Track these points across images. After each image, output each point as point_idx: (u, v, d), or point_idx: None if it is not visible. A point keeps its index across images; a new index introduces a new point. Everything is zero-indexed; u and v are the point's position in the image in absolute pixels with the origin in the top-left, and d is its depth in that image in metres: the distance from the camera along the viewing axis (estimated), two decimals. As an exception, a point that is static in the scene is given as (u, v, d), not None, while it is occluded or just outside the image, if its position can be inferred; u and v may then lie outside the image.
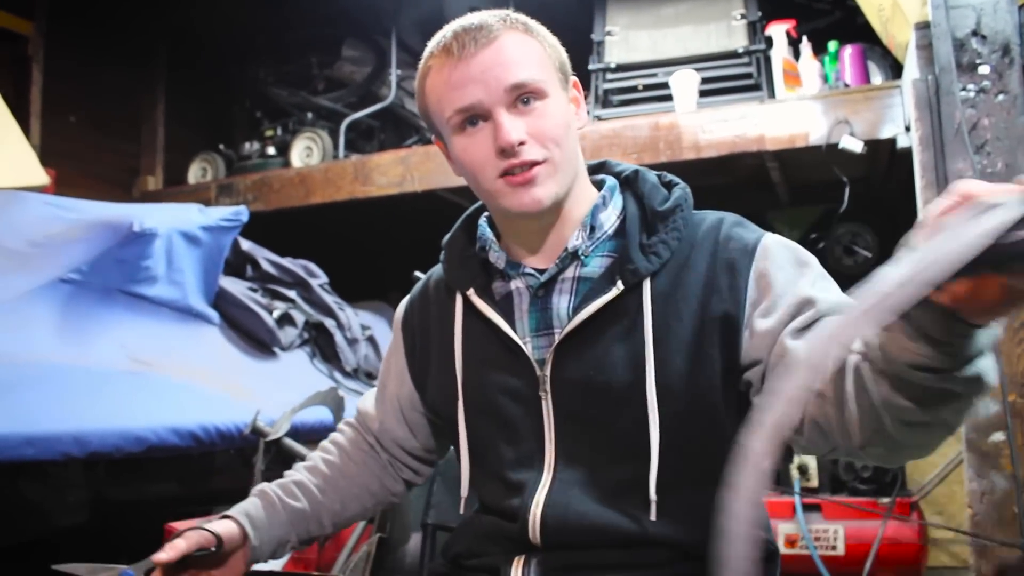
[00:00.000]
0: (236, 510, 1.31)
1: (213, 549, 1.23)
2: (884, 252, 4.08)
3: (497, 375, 1.26)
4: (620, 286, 1.19)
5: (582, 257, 1.26)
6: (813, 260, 1.20)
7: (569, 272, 1.27)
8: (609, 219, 1.28)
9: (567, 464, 1.19)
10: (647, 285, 1.20)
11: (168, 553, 1.19)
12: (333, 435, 1.50)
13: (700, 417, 1.17)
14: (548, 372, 1.22)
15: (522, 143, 1.18)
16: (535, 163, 1.19)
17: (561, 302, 1.25)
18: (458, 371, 1.31)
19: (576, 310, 1.21)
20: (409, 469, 1.46)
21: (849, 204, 3.20)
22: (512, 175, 1.19)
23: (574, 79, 1.28)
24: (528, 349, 1.24)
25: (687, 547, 1.15)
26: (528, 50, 1.20)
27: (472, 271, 1.32)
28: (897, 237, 3.18)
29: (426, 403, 1.39)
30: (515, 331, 1.25)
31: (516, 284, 1.29)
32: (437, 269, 1.42)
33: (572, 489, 1.18)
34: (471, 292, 1.30)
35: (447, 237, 1.39)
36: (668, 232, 1.22)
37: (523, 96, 1.18)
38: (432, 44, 1.24)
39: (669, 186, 1.30)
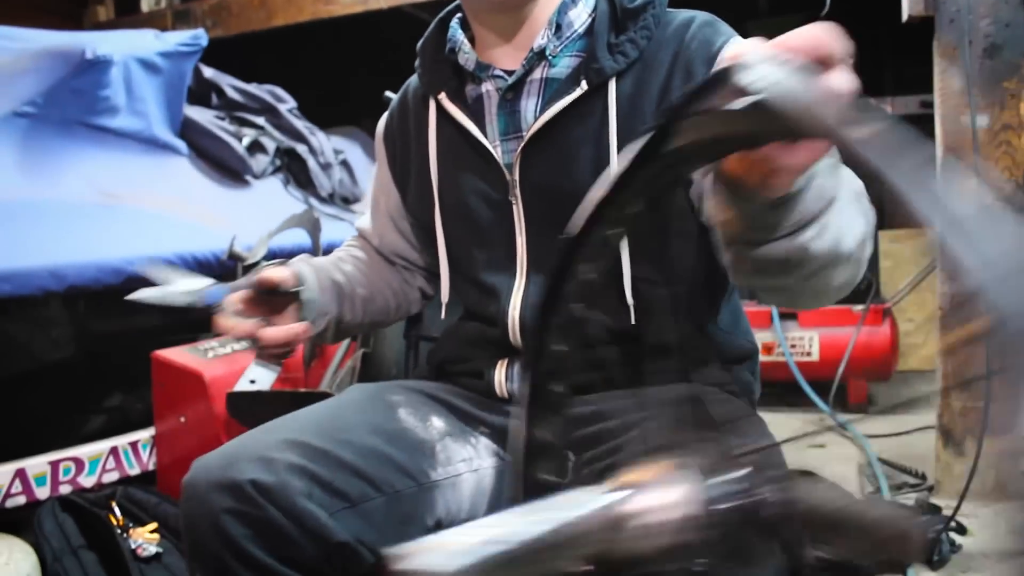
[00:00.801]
0: (294, 264, 1.26)
1: (295, 290, 1.21)
2: (864, 62, 3.98)
3: (470, 179, 1.25)
4: (584, 86, 1.17)
5: (549, 57, 1.22)
6: None
7: (537, 73, 1.24)
8: (579, 17, 1.23)
9: (540, 268, 1.20)
10: (612, 85, 1.17)
11: (267, 276, 1.17)
12: (339, 248, 1.48)
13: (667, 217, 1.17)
14: (516, 176, 1.21)
15: None
16: None
17: (528, 104, 1.23)
18: (433, 176, 1.30)
19: (542, 112, 1.19)
20: (418, 279, 1.46)
21: (829, 9, 3.09)
22: None
23: None
24: (498, 153, 1.23)
25: (667, 345, 1.17)
26: None
27: (444, 74, 1.30)
28: (879, 45, 3.09)
29: (408, 210, 1.38)
30: (485, 135, 1.24)
31: (486, 87, 1.26)
32: (414, 78, 1.38)
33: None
34: (443, 96, 1.28)
35: (421, 41, 1.34)
36: (637, 31, 1.18)
37: None
38: None
39: None
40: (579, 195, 1.15)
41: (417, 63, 1.35)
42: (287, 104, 3.15)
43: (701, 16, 1.21)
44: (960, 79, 2.32)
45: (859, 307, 3.34)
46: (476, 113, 1.26)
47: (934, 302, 4.08)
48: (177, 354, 2.07)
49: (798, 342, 3.37)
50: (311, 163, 3.04)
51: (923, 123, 3.87)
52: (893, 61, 4.07)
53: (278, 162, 3.01)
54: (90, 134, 2.42)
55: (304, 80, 3.54)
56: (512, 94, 1.24)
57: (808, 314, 3.37)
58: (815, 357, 3.34)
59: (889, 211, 4.16)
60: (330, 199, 3.09)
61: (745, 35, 1.22)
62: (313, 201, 2.99)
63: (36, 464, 1.97)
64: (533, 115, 1.22)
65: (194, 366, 1.98)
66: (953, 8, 2.30)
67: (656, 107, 1.15)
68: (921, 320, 4.10)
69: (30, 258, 1.95)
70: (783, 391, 3.31)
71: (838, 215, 0.85)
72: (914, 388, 3.57)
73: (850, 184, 0.89)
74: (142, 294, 1.23)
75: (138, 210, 2.29)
